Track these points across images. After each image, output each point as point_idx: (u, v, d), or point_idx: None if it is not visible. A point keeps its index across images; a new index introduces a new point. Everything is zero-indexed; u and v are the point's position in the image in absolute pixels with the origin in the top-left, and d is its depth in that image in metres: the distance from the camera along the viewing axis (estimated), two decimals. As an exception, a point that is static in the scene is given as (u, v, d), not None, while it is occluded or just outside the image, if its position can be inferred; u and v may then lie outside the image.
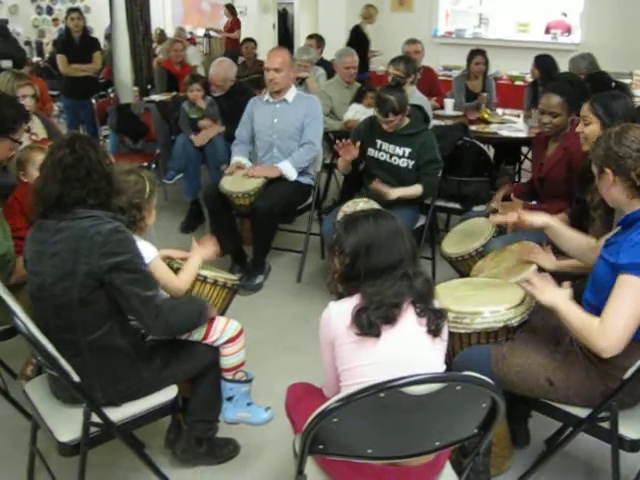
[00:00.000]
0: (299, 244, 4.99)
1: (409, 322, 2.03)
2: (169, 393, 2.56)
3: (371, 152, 4.45)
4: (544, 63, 6.52)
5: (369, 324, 1.99)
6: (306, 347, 3.74)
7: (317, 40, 7.70)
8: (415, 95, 5.29)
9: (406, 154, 4.31)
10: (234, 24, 11.93)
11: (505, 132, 5.89)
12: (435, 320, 2.04)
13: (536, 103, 4.98)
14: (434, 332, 2.04)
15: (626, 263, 2.22)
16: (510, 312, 2.62)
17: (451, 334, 2.42)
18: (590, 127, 3.30)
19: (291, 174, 4.67)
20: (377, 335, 1.99)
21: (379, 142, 4.41)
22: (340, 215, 4.07)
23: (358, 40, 8.72)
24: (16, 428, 3.10)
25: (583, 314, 2.29)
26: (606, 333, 2.19)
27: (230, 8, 12.23)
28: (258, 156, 4.89)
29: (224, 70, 5.81)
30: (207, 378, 2.71)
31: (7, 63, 5.12)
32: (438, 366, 2.07)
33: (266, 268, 4.82)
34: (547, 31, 10.68)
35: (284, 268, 4.98)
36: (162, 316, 2.40)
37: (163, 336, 2.51)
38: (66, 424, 2.39)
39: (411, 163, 4.31)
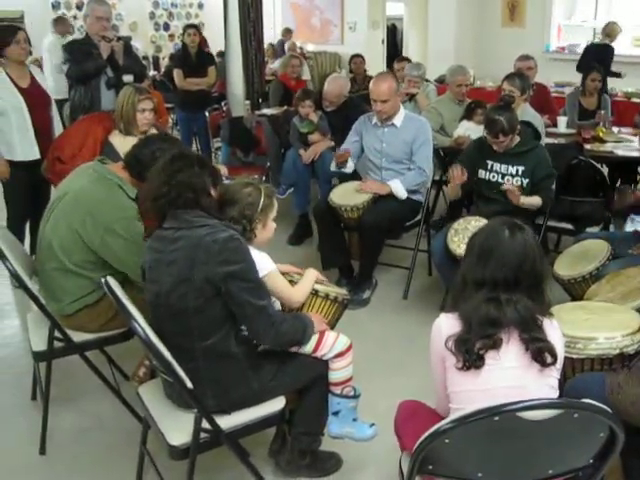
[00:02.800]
0: (406, 260, 4.96)
1: (514, 349, 2.01)
2: (277, 404, 2.60)
3: (482, 174, 4.39)
4: None
5: (467, 352, 1.99)
6: (410, 366, 3.72)
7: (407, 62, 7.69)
8: (528, 112, 5.19)
9: (519, 172, 4.25)
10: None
11: (621, 151, 5.69)
12: (537, 349, 2.00)
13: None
14: (541, 361, 2.00)
15: None
16: (627, 339, 2.55)
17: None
18: None
19: (401, 194, 4.63)
20: (478, 366, 1.99)
21: (490, 163, 4.35)
22: (451, 233, 4.04)
23: (605, 58, 8.27)
24: (127, 428, 3.22)
25: None
26: None
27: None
28: (369, 176, 4.89)
29: (339, 87, 5.85)
30: (314, 391, 2.73)
31: (129, 78, 5.31)
32: (546, 395, 2.02)
33: (373, 283, 4.83)
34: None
35: (390, 284, 4.96)
36: (275, 326, 2.46)
37: (271, 345, 2.57)
38: (177, 428, 2.45)
39: (525, 181, 4.25)
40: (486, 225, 2.26)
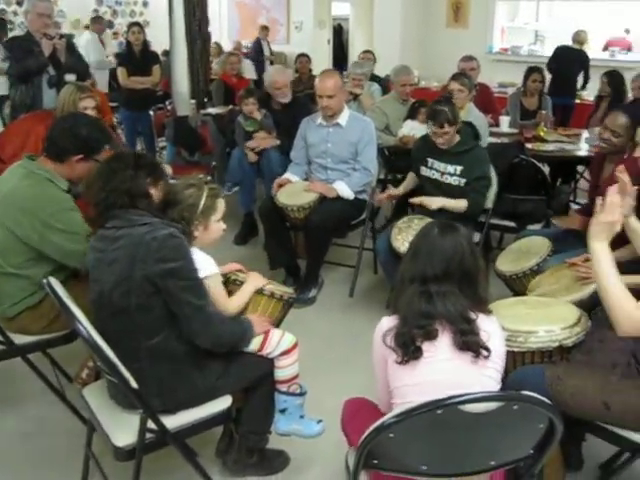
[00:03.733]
0: (352, 259, 4.98)
1: (447, 341, 2.05)
2: (223, 403, 2.59)
3: (423, 170, 4.44)
4: (614, 80, 6.57)
5: (405, 346, 2.03)
6: (356, 362, 3.73)
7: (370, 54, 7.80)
8: (473, 112, 5.27)
9: (457, 172, 4.29)
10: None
11: (566, 149, 5.84)
12: (464, 342, 2.04)
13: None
14: (473, 353, 2.04)
15: None
16: (565, 332, 2.61)
17: (504, 352, 2.41)
18: None
19: (348, 194, 4.67)
20: (416, 357, 2.03)
21: (430, 160, 4.40)
22: (395, 231, 4.08)
23: (579, 62, 8.73)
24: (72, 431, 3.16)
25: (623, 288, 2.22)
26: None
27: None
28: (315, 176, 4.90)
29: (287, 75, 5.91)
30: (261, 389, 2.73)
31: (71, 77, 5.22)
32: (486, 387, 2.05)
33: (319, 282, 4.84)
34: (605, 48, 10.57)
35: (336, 283, 4.99)
36: (213, 326, 2.46)
37: (210, 346, 2.52)
38: (122, 429, 2.43)
39: (462, 181, 4.29)
40: (423, 226, 2.32)
